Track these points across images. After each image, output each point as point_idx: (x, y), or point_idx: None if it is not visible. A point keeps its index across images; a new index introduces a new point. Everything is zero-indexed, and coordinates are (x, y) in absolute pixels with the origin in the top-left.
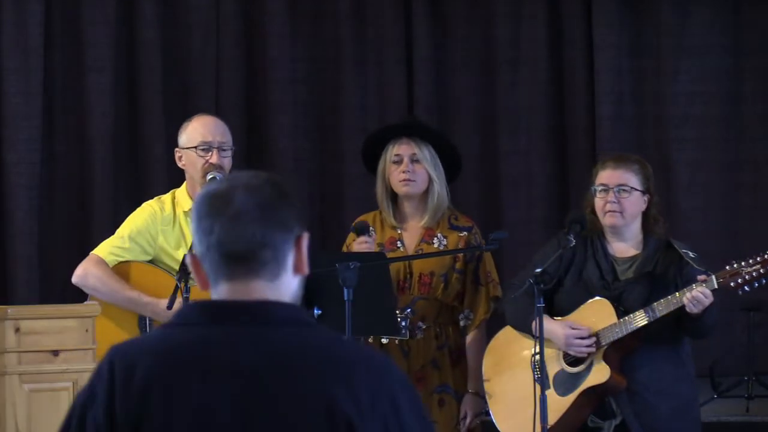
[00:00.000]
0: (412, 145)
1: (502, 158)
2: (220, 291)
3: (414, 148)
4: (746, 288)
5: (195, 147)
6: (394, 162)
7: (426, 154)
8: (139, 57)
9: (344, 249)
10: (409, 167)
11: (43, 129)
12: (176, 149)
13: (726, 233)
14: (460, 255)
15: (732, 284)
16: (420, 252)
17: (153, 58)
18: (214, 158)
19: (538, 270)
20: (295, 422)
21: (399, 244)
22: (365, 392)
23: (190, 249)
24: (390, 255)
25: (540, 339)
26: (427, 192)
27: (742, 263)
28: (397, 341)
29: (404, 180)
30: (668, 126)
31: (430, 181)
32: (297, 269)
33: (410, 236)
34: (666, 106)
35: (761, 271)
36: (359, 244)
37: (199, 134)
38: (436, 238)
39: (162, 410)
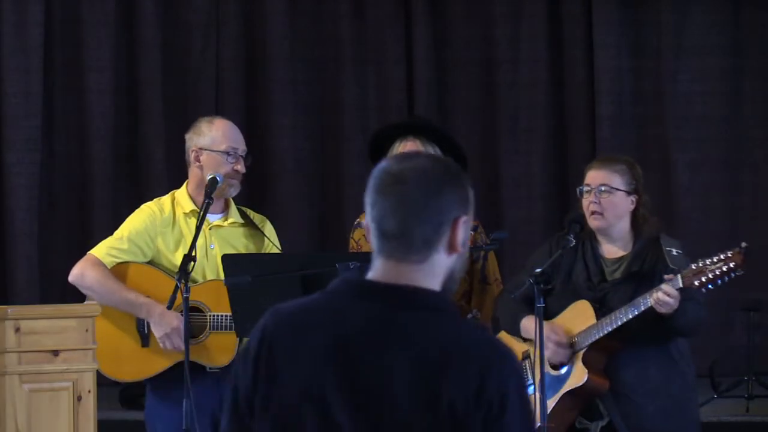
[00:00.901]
0: (417, 143)
1: (502, 158)
2: (375, 265)
3: (419, 147)
4: (709, 286)
5: (224, 152)
6: None
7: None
8: (139, 57)
9: (353, 245)
10: None
11: (43, 129)
12: (194, 148)
13: (726, 233)
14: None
15: (696, 283)
16: None
17: (153, 58)
18: (240, 166)
19: (538, 270)
20: (397, 401)
21: None
22: (476, 379)
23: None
24: None
25: (540, 339)
26: None
27: (707, 261)
28: None
29: None
30: (668, 126)
31: None
32: (451, 249)
33: None
34: (666, 106)
35: (723, 269)
36: None
37: (228, 139)
38: None
39: (266, 367)
